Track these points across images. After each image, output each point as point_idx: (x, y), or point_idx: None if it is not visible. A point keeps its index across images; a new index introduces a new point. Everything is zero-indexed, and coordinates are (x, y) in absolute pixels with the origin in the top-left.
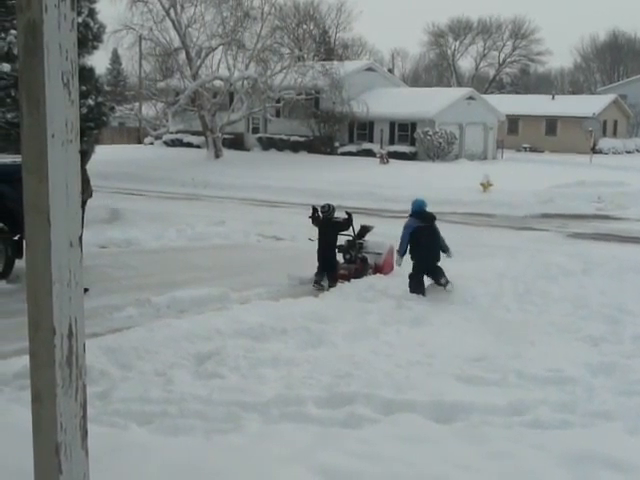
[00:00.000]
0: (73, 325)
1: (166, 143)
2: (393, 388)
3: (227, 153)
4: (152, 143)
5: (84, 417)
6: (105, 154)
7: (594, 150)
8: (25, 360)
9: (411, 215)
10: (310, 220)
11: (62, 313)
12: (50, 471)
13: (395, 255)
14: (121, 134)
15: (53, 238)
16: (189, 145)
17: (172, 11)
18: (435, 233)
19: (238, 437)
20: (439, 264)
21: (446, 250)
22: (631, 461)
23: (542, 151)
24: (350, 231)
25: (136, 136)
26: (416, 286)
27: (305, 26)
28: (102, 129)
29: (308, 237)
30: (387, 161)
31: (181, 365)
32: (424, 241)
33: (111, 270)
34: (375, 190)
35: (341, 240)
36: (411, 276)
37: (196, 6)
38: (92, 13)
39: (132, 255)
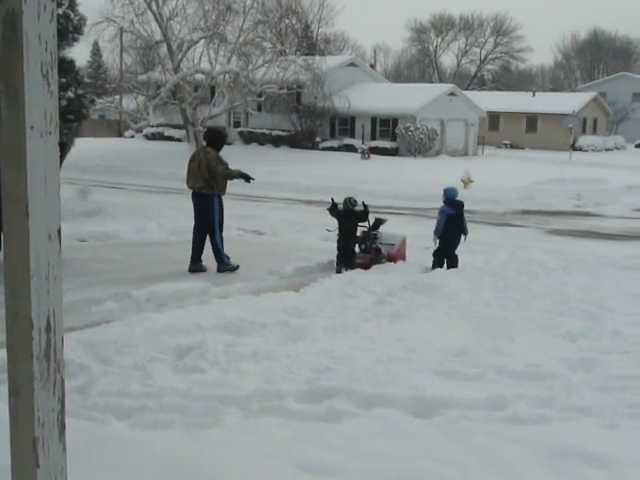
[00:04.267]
0: (51, 318)
1: (147, 136)
2: (373, 383)
3: None
4: (133, 136)
5: (62, 411)
6: (85, 147)
7: (574, 147)
8: (2, 354)
9: (445, 202)
10: (328, 212)
11: (40, 306)
12: (27, 465)
13: (433, 236)
14: (101, 127)
15: (31, 230)
16: (170, 138)
17: (154, 4)
18: (461, 221)
19: (218, 431)
20: (456, 251)
21: (465, 233)
22: (608, 455)
23: (522, 148)
24: (365, 223)
25: (117, 129)
26: (437, 265)
27: (287, 20)
28: (82, 122)
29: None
30: (368, 156)
31: (161, 359)
32: (451, 228)
33: (91, 263)
34: (356, 185)
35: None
36: (440, 255)
37: None
38: (72, 5)
39: (112, 248)
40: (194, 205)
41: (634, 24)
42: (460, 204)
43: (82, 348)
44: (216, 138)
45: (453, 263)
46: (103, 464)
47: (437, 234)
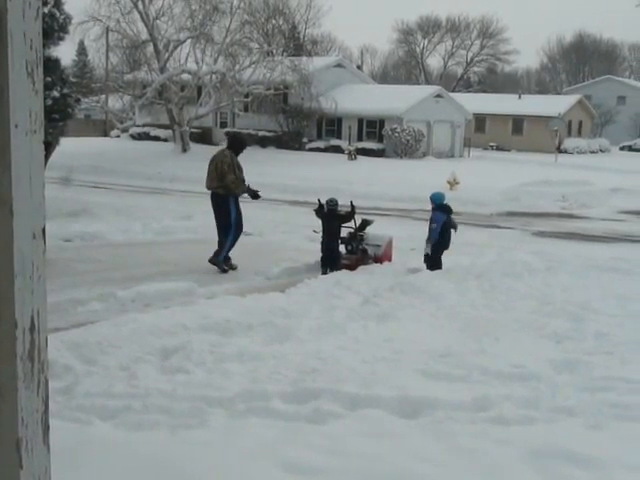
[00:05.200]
0: (35, 318)
1: (133, 136)
2: (359, 383)
3: (194, 147)
4: (118, 136)
5: (46, 412)
6: (70, 146)
7: (559, 149)
8: None
9: (436, 209)
10: (314, 213)
11: (24, 306)
12: (10, 466)
13: (426, 244)
14: (87, 126)
15: (16, 229)
16: (156, 139)
17: (140, 3)
18: (450, 225)
19: (203, 432)
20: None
21: (455, 227)
22: (592, 455)
23: (508, 150)
24: (352, 223)
25: (102, 129)
26: (436, 266)
27: (274, 21)
28: (67, 121)
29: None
30: (355, 157)
31: (146, 360)
32: (446, 232)
33: (76, 264)
34: (343, 186)
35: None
36: (432, 259)
37: None
38: (58, 3)
39: (97, 249)
40: (212, 205)
41: (619, 27)
42: (449, 208)
43: (67, 349)
44: (234, 143)
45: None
46: (87, 465)
47: (432, 242)
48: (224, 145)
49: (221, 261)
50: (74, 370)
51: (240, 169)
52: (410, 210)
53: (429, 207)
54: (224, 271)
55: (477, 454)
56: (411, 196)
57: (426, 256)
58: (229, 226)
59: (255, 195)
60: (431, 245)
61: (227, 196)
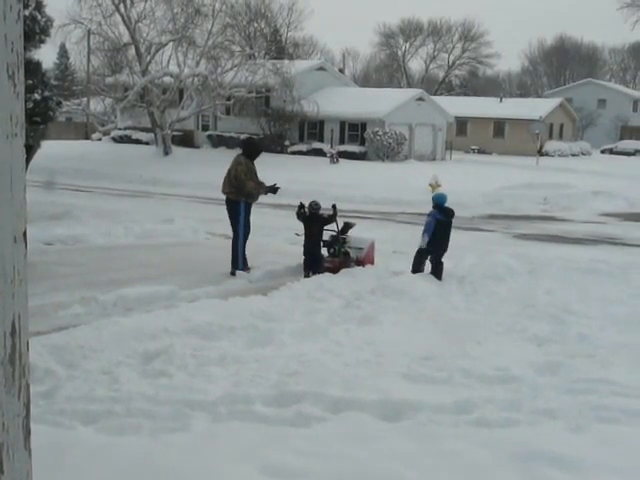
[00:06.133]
0: (16, 322)
1: (114, 139)
2: (341, 387)
3: (176, 150)
4: (100, 139)
5: (27, 416)
6: (52, 149)
7: (541, 152)
8: None
9: (434, 207)
10: (296, 216)
11: (5, 310)
12: None
13: (422, 237)
14: (68, 129)
15: None
16: (138, 142)
17: (122, 6)
18: (450, 228)
19: (185, 436)
20: (443, 259)
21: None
22: (574, 458)
23: (490, 153)
24: (334, 226)
25: (84, 131)
26: (417, 268)
27: (256, 24)
28: (49, 124)
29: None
30: (337, 160)
31: (128, 364)
32: (439, 233)
33: (57, 267)
34: (326, 189)
35: (324, 236)
36: (417, 258)
37: (146, 1)
38: (39, 6)
39: (79, 252)
40: (226, 209)
41: (600, 31)
42: (449, 211)
43: (48, 353)
44: (248, 149)
45: (437, 270)
46: (69, 469)
47: (428, 234)
48: (206, 147)
49: (241, 268)
50: (56, 374)
51: (255, 182)
52: (392, 213)
53: (410, 210)
54: (249, 273)
55: (460, 457)
56: (393, 199)
57: (418, 251)
58: (237, 231)
59: (275, 190)
60: (427, 239)
61: (238, 202)
